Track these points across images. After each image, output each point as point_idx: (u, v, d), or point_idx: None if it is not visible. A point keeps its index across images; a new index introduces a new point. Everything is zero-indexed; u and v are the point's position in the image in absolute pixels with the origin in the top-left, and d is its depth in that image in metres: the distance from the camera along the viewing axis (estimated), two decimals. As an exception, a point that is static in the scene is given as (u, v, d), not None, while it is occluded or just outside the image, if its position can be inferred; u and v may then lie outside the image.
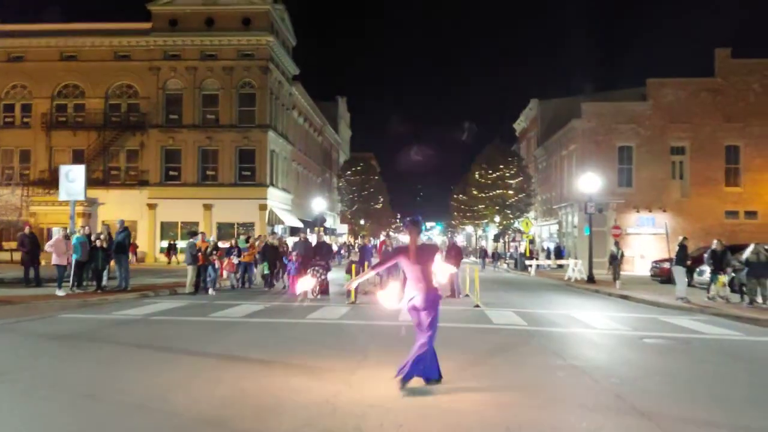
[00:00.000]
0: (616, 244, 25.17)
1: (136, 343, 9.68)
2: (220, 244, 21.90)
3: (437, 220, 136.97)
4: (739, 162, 38.95)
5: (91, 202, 38.77)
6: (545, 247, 47.33)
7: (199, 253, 18.44)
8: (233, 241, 22.66)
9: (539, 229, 57.51)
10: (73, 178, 20.66)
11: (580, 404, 6.39)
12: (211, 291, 18.49)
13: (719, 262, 17.97)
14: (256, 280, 22.10)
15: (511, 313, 14.81)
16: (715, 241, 18.69)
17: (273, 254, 21.19)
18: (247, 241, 21.90)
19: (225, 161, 40.95)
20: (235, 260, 21.11)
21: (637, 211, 39.34)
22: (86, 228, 18.30)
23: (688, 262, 18.85)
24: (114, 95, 41.63)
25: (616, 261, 23.97)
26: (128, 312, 13.58)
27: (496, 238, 56.10)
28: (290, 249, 21.23)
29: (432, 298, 6.72)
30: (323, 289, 18.10)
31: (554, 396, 6.77)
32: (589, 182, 28.32)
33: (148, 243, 40.55)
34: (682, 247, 18.37)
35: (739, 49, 47.99)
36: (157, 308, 14.49)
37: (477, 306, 15.94)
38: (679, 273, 18.18)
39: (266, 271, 21.08)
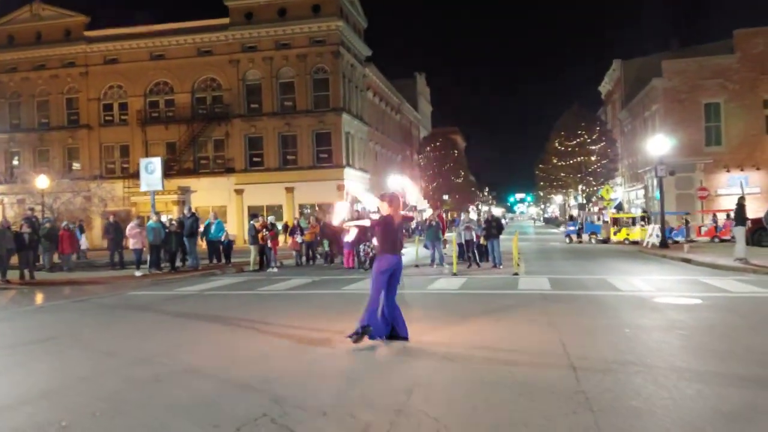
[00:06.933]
0: None
1: (176, 313, 11.14)
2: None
3: (526, 192, 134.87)
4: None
5: (185, 191, 42.01)
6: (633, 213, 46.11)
7: (259, 234, 20.12)
8: (295, 221, 24.24)
9: (626, 194, 55.93)
10: (151, 169, 22.94)
11: (519, 348, 7.12)
12: (269, 268, 20.14)
13: None
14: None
15: (544, 279, 15.19)
16: None
17: (331, 231, 22.55)
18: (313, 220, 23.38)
19: (303, 145, 42.85)
20: (298, 239, 22.71)
21: (728, 171, 37.33)
22: (160, 215, 20.38)
23: (749, 223, 18.37)
24: (199, 89, 44.46)
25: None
26: (189, 288, 15.28)
27: (581, 207, 55.10)
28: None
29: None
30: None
31: (499, 345, 7.49)
32: (659, 144, 27.28)
33: (237, 226, 43.18)
34: (740, 207, 17.69)
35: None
36: (215, 284, 16.13)
37: (515, 274, 16.55)
38: (739, 233, 17.68)
39: (326, 248, 22.53)
